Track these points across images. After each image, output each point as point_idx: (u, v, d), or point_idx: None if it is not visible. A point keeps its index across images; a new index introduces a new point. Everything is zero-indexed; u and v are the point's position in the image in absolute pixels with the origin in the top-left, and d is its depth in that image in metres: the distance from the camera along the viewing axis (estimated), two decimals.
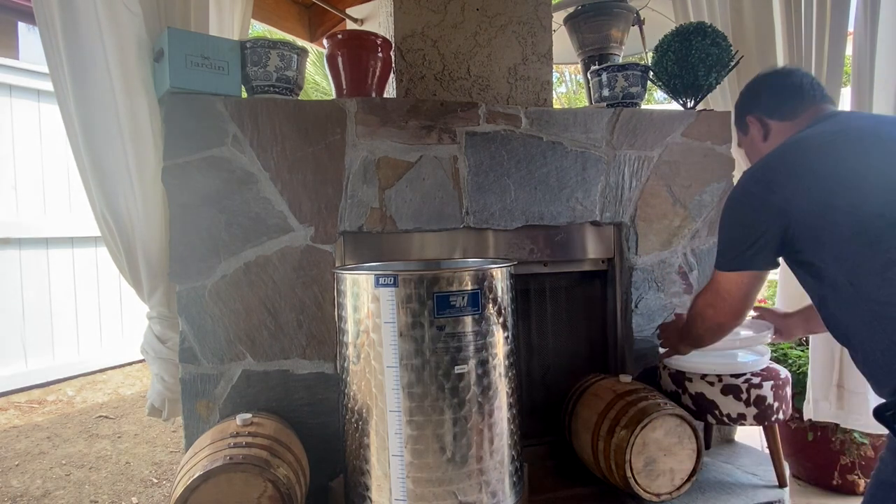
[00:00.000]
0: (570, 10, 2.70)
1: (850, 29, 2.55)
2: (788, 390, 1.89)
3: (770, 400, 1.82)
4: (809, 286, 1.33)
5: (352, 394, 1.54)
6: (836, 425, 2.47)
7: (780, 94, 1.47)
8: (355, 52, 2.00)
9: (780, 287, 2.55)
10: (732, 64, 2.25)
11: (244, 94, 1.89)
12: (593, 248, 2.19)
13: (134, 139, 1.67)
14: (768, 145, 1.45)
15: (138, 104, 1.68)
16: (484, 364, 1.49)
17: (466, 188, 1.99)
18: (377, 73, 2.03)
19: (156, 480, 2.45)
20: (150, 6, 1.75)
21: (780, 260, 1.35)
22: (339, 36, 2.05)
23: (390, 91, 2.20)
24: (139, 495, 2.32)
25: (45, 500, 2.30)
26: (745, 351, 2.00)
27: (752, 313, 1.79)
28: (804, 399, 2.48)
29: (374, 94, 2.03)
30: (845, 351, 1.63)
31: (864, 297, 1.17)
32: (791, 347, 2.79)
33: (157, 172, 1.73)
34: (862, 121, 1.42)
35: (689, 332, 1.61)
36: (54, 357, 4.29)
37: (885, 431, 1.17)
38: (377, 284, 1.45)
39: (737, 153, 2.46)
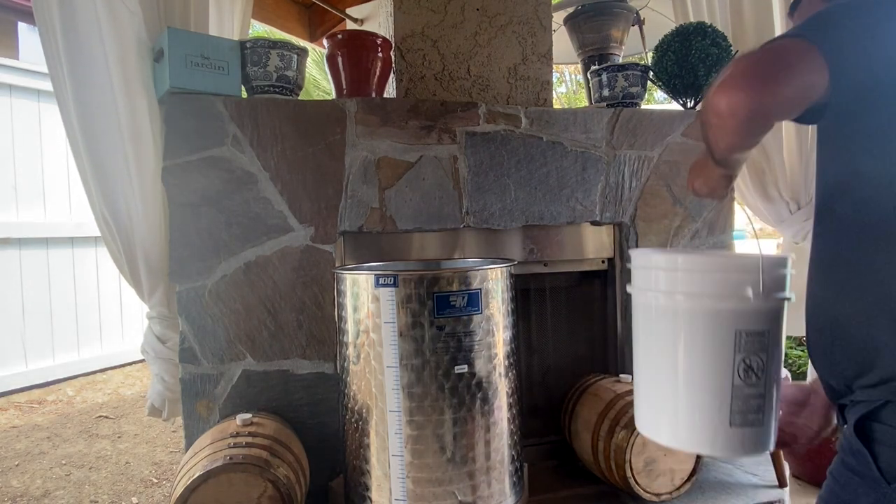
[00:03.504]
0: (570, 10, 2.69)
1: None
2: None
3: None
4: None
5: (352, 394, 1.54)
6: (836, 425, 2.46)
7: None
8: (355, 52, 2.00)
9: None
10: None
11: (244, 94, 1.89)
12: (593, 248, 2.19)
13: (134, 139, 1.67)
14: None
15: (138, 104, 1.68)
16: (484, 364, 1.49)
17: (466, 188, 1.99)
18: (377, 73, 2.03)
19: (156, 480, 2.45)
20: (149, 6, 1.75)
21: None
22: (339, 36, 2.05)
23: (390, 91, 2.20)
24: (139, 495, 2.32)
25: (45, 500, 2.30)
26: None
27: None
28: None
29: (374, 94, 2.03)
30: None
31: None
32: (791, 348, 2.79)
33: (157, 172, 1.73)
34: None
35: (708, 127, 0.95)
36: (54, 357, 4.29)
37: None
38: (377, 284, 1.45)
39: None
